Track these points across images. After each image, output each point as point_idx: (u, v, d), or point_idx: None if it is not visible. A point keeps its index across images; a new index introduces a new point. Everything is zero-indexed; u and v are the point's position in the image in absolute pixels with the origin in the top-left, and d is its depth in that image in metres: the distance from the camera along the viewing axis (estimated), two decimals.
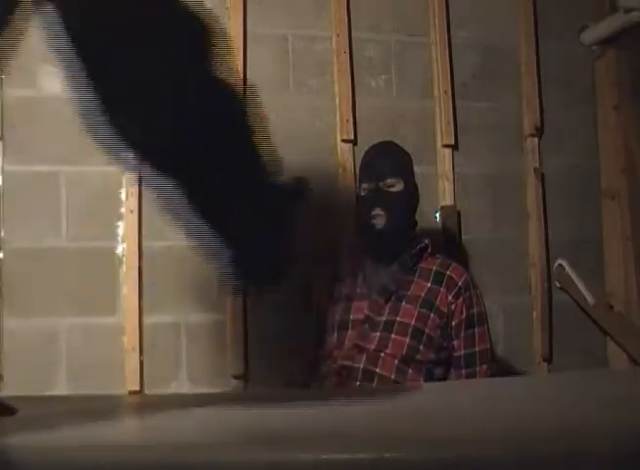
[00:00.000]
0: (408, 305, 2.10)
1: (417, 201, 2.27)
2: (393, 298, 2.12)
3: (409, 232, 2.22)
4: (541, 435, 0.63)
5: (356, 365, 2.04)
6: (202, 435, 0.70)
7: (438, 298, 2.10)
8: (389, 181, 2.17)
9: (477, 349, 2.10)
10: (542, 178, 2.86)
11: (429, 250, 2.21)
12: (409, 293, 2.12)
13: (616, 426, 0.67)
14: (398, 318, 2.09)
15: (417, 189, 2.28)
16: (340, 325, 2.13)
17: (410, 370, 2.03)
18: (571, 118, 2.93)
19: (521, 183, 2.86)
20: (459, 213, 2.77)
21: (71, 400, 1.50)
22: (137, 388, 2.40)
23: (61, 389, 2.41)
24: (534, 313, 2.80)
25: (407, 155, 2.29)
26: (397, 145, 2.32)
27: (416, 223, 2.27)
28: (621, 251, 2.86)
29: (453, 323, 2.10)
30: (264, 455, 0.58)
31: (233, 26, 2.66)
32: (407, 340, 2.05)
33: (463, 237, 2.77)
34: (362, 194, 2.22)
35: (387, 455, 0.56)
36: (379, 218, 2.15)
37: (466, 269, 2.26)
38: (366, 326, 2.10)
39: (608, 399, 0.98)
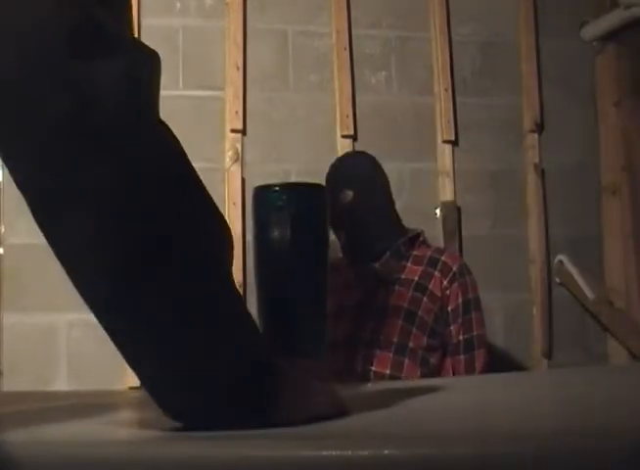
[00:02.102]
0: (401, 289, 2.11)
1: (381, 192, 2.25)
2: (386, 283, 2.13)
3: (383, 231, 2.20)
4: (540, 432, 0.63)
5: (353, 367, 2.04)
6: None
7: (432, 282, 2.11)
8: (342, 196, 2.16)
9: (474, 333, 2.10)
10: (542, 174, 2.86)
11: (421, 238, 2.23)
12: (402, 277, 2.13)
13: (616, 423, 0.67)
14: (391, 302, 2.09)
15: (379, 190, 2.25)
16: (333, 313, 2.13)
17: (406, 360, 2.03)
18: (571, 114, 2.93)
19: (521, 179, 2.86)
20: (459, 209, 2.77)
21: (71, 396, 1.50)
22: (137, 384, 2.40)
23: (61, 384, 2.41)
24: (534, 309, 2.80)
25: (365, 160, 2.29)
26: (353, 155, 2.37)
27: (397, 218, 2.26)
28: (622, 247, 2.86)
29: (449, 308, 2.10)
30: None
31: (233, 22, 2.66)
32: (400, 322, 2.06)
33: (463, 233, 2.77)
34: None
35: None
36: (341, 237, 2.17)
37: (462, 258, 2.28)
38: (358, 312, 2.10)
39: (608, 395, 0.98)
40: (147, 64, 0.67)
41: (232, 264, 0.71)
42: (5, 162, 0.64)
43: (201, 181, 0.69)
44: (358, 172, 2.25)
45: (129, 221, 0.63)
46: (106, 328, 0.67)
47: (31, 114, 0.61)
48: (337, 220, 2.13)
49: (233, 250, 0.71)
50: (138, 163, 0.64)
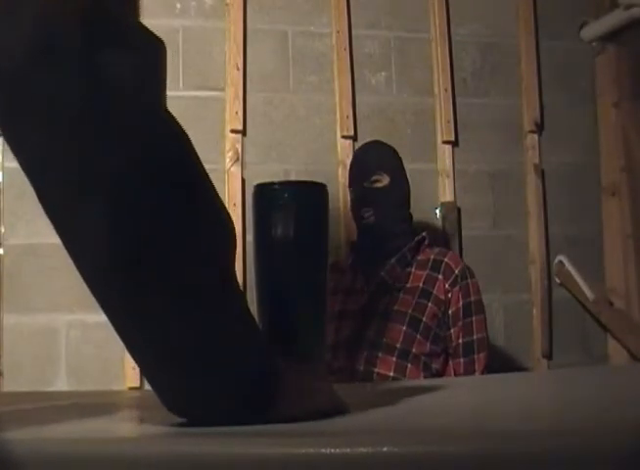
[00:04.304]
0: (406, 296, 2.11)
1: (407, 193, 2.29)
2: (391, 290, 2.13)
3: (402, 225, 2.24)
4: (540, 432, 0.63)
5: (356, 367, 2.04)
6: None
7: (436, 286, 2.11)
8: (374, 178, 2.20)
9: (474, 337, 2.10)
10: (542, 175, 2.86)
11: (426, 242, 2.23)
12: (407, 285, 2.13)
13: (616, 423, 0.67)
14: (395, 308, 2.09)
15: (407, 182, 2.29)
16: (337, 316, 2.14)
17: (409, 365, 2.03)
18: (571, 115, 2.93)
19: (521, 180, 2.86)
20: (459, 210, 2.77)
21: (71, 396, 1.50)
22: (137, 384, 2.40)
23: (61, 385, 2.41)
24: (534, 310, 2.80)
25: (392, 150, 2.31)
26: (382, 142, 2.35)
27: (410, 216, 2.29)
28: (621, 247, 2.86)
29: (450, 311, 2.10)
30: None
31: (233, 22, 2.66)
32: (404, 328, 2.06)
33: (463, 233, 2.77)
34: (351, 197, 2.26)
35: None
36: (368, 218, 2.19)
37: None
38: (362, 316, 2.10)
39: (608, 395, 0.98)
40: (157, 53, 0.67)
41: (234, 261, 0.71)
42: (18, 153, 0.63)
43: (207, 174, 0.69)
44: (393, 161, 2.28)
45: (140, 212, 0.63)
46: (114, 325, 0.67)
47: (44, 99, 0.61)
48: (366, 200, 2.18)
49: (236, 247, 0.71)
50: (148, 151, 0.64)
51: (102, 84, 0.61)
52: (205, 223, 0.67)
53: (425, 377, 2.04)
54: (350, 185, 2.27)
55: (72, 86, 0.61)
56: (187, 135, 0.68)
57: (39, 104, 0.61)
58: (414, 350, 2.05)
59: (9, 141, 0.64)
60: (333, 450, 0.56)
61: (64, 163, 0.62)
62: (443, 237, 2.71)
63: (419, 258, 2.18)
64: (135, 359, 0.69)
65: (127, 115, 0.63)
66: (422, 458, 0.55)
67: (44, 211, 0.64)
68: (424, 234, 2.26)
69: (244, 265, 2.25)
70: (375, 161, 2.26)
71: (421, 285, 2.12)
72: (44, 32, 0.61)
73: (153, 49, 0.67)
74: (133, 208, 0.63)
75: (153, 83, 0.66)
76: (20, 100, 0.61)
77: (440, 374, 2.09)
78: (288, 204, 0.84)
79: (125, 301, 0.66)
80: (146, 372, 0.70)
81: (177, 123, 0.67)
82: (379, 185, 2.20)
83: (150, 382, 0.70)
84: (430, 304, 2.09)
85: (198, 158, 0.69)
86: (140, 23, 0.67)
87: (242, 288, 0.73)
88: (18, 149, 0.64)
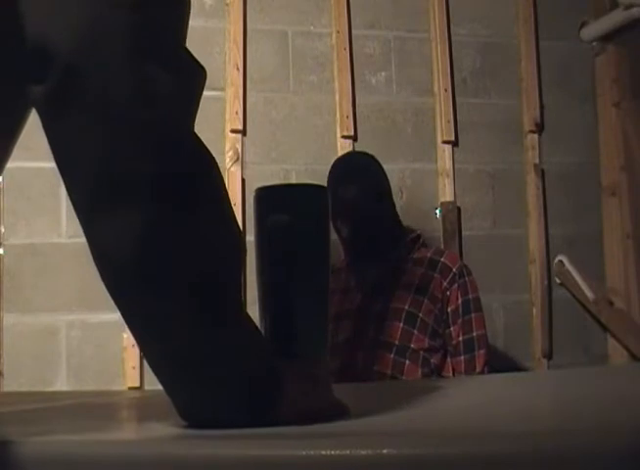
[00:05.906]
0: (401, 293, 2.11)
1: (386, 192, 2.26)
2: (387, 287, 2.13)
3: (386, 225, 2.21)
4: (540, 432, 0.63)
5: (355, 366, 2.04)
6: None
7: (432, 283, 2.11)
8: (348, 186, 2.15)
9: (474, 334, 2.10)
10: (542, 174, 2.86)
11: (420, 240, 2.23)
12: (402, 281, 2.13)
13: (616, 423, 0.67)
14: (392, 305, 2.09)
15: (388, 184, 2.26)
16: (335, 316, 2.13)
17: (407, 362, 2.03)
18: (571, 115, 2.93)
19: (521, 179, 2.86)
20: (459, 210, 2.77)
21: (72, 396, 1.50)
22: (137, 384, 2.40)
23: (61, 385, 2.41)
24: (534, 309, 2.80)
25: (369, 156, 2.29)
26: (358, 152, 2.35)
27: (397, 214, 2.27)
28: (621, 247, 2.86)
29: (449, 309, 2.10)
30: None
31: (233, 22, 2.66)
32: (401, 325, 2.06)
33: (463, 233, 2.77)
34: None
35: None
36: (343, 230, 2.16)
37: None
38: (359, 315, 2.10)
39: (608, 395, 0.98)
40: (197, 79, 0.71)
41: (241, 274, 0.73)
42: (55, 146, 0.65)
43: (226, 193, 0.72)
44: (364, 169, 2.25)
45: (158, 216, 0.65)
46: (130, 329, 0.69)
47: (88, 90, 0.63)
48: (341, 214, 2.14)
49: (244, 262, 0.74)
50: (171, 167, 0.66)
51: (142, 90, 0.64)
52: (217, 236, 0.71)
53: (423, 372, 2.04)
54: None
55: (114, 84, 0.63)
56: (211, 156, 0.70)
57: (83, 94, 0.62)
58: (412, 345, 2.05)
59: (48, 131, 0.65)
60: (333, 452, 0.56)
61: (94, 160, 0.64)
62: (443, 237, 2.71)
63: (415, 256, 2.18)
64: (150, 365, 0.71)
65: (159, 129, 0.65)
66: (422, 460, 0.55)
67: (74, 209, 0.66)
68: (418, 232, 2.26)
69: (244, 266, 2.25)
70: (348, 173, 2.22)
71: (417, 282, 2.12)
72: (95, 35, 0.63)
73: (194, 74, 0.71)
74: (152, 212, 0.65)
75: (187, 103, 0.70)
76: (67, 86, 0.62)
77: (439, 369, 2.09)
78: (289, 207, 0.84)
79: (141, 306, 0.68)
80: (155, 372, 0.71)
81: (204, 145, 0.69)
82: (352, 195, 2.14)
83: (161, 382, 0.71)
84: (426, 300, 2.09)
85: (221, 179, 0.71)
86: (186, 49, 0.70)
87: (242, 288, 0.74)
88: (55, 141, 0.65)
